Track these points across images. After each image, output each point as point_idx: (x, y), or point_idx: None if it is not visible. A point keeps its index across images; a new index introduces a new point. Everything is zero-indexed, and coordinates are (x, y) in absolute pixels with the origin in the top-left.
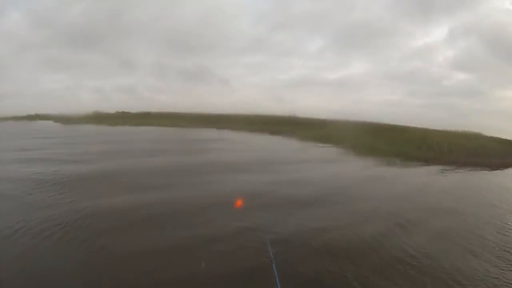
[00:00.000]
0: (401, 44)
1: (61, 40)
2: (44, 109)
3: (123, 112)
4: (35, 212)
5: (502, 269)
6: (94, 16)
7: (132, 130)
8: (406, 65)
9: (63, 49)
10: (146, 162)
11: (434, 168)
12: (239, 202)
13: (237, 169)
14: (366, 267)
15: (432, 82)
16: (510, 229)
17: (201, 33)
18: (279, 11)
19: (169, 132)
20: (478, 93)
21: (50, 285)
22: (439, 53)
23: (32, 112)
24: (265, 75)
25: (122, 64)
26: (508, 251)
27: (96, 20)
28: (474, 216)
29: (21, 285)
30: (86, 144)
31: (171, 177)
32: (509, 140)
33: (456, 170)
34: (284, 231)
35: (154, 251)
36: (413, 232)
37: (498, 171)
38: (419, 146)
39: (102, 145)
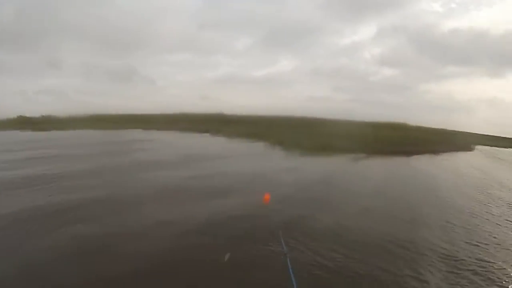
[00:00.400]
0: (329, 42)
1: None
2: None
3: (49, 116)
4: None
5: None
6: (23, 16)
7: (58, 135)
8: (333, 62)
9: None
10: (68, 166)
11: (353, 156)
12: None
13: (159, 167)
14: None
15: (359, 78)
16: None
17: (130, 32)
18: (208, 10)
19: (95, 135)
20: (404, 88)
21: None
22: (366, 51)
23: None
24: (192, 73)
25: (50, 65)
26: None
27: (25, 19)
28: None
29: None
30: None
31: (94, 179)
32: (432, 128)
33: (377, 157)
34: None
35: None
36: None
37: (416, 156)
38: (345, 138)
39: (27, 152)
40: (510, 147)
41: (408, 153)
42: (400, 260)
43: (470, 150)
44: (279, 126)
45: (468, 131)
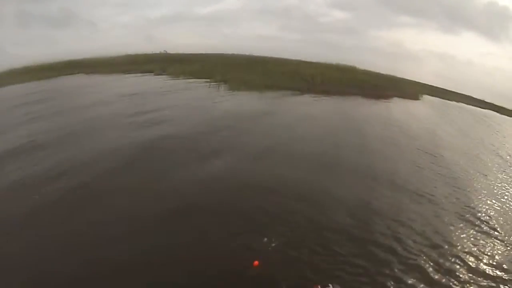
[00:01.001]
0: None
1: None
2: None
3: None
4: None
5: None
6: None
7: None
8: (283, 1)
9: None
10: None
11: (305, 97)
12: None
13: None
14: None
15: (308, 19)
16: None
17: None
18: None
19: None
20: (354, 32)
21: None
22: None
23: None
24: (134, 13)
25: None
26: None
27: None
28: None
29: None
30: None
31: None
32: (381, 74)
33: (322, 97)
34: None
35: None
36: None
37: (361, 98)
38: (292, 78)
39: None
40: (455, 101)
41: (353, 94)
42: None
43: (417, 99)
44: (225, 65)
45: (417, 81)
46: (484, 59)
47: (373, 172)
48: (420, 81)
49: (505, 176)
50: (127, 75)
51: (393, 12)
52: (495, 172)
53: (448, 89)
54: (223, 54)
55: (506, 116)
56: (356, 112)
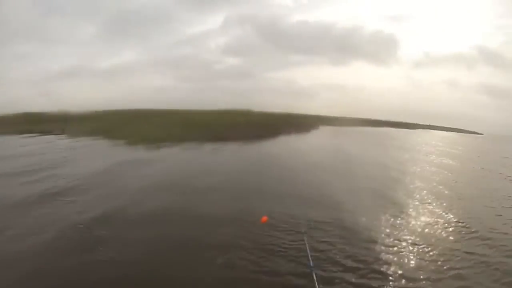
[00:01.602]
0: (175, 31)
1: None
2: None
3: None
4: None
5: None
6: None
7: None
8: (179, 52)
9: None
10: None
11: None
12: None
13: None
14: None
15: (203, 67)
16: None
17: None
18: None
19: None
20: (248, 76)
21: None
22: (212, 40)
23: None
24: (33, 66)
25: None
26: None
27: None
28: None
29: None
30: None
31: None
32: (277, 113)
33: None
34: None
35: None
36: None
37: (259, 140)
38: (190, 127)
39: None
40: (350, 126)
41: (250, 138)
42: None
43: (312, 131)
44: (124, 120)
45: (312, 114)
46: (374, 83)
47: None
48: (315, 114)
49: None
50: (24, 135)
51: (284, 52)
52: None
53: (343, 116)
54: (122, 110)
55: (400, 129)
56: (247, 155)
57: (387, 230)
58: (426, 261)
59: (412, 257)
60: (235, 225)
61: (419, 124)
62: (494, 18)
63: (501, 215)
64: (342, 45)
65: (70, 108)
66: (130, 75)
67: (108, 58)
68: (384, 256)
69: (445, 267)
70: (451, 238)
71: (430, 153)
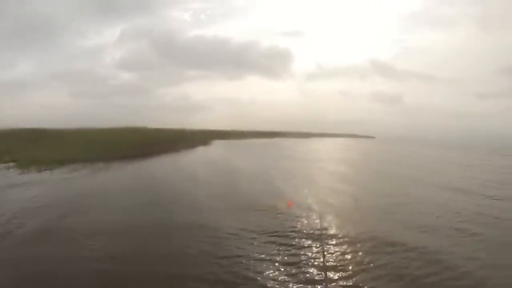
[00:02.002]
0: (71, 43)
1: None
2: None
3: None
4: None
5: None
6: None
7: None
8: (74, 66)
9: None
10: None
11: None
12: None
13: None
14: None
15: (98, 82)
16: None
17: None
18: None
19: None
20: (143, 91)
21: None
22: (107, 54)
23: None
24: None
25: None
26: None
27: None
28: None
29: None
30: None
31: None
32: (171, 129)
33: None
34: None
35: None
36: None
37: (154, 157)
38: (86, 147)
39: None
40: (243, 138)
41: (146, 155)
42: None
43: (206, 145)
44: (14, 141)
45: (207, 129)
46: (269, 96)
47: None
48: (209, 129)
49: None
50: None
51: (180, 67)
52: None
53: (237, 129)
54: (11, 129)
55: (294, 139)
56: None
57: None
58: None
59: None
60: None
61: (313, 133)
62: (396, 33)
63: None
64: (237, 60)
65: None
66: (26, 90)
67: (2, 69)
68: None
69: None
70: None
71: (318, 159)
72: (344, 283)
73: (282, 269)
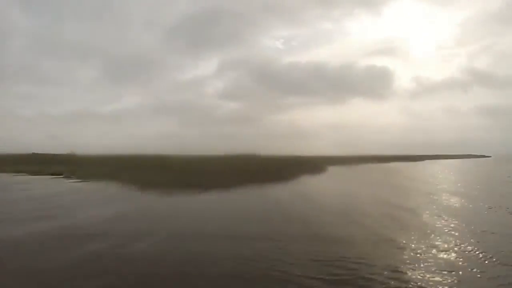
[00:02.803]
0: (173, 77)
1: None
2: None
3: None
4: None
5: None
6: None
7: None
8: (178, 97)
9: None
10: None
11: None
12: None
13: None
14: None
15: (204, 112)
16: None
17: None
18: (50, 36)
19: None
20: (249, 120)
21: None
22: (209, 85)
23: None
24: (36, 108)
25: None
26: None
27: None
28: None
29: None
30: None
31: None
32: (283, 156)
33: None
34: None
35: None
36: None
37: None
38: (194, 174)
39: None
40: (357, 164)
41: (257, 183)
42: None
43: (321, 173)
44: (130, 165)
45: (319, 155)
46: (374, 118)
47: None
48: (321, 155)
49: None
50: (35, 177)
51: (279, 95)
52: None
53: (348, 154)
54: (127, 154)
55: (408, 162)
56: (256, 204)
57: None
58: None
59: None
60: None
61: (426, 155)
62: (483, 38)
63: None
64: (337, 84)
65: (77, 150)
66: (133, 120)
67: (110, 102)
68: None
69: None
70: None
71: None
72: None
73: None
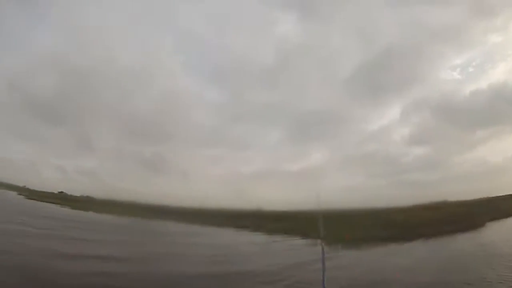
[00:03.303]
0: (357, 128)
1: (27, 108)
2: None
3: (87, 197)
4: None
5: None
6: (62, 90)
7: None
8: (363, 149)
9: (29, 118)
10: None
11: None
12: None
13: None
14: None
15: (391, 162)
16: None
17: (159, 121)
18: (233, 104)
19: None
20: (437, 163)
21: None
22: (394, 132)
23: None
24: (225, 167)
25: (82, 143)
26: None
27: (63, 94)
28: None
29: None
30: None
31: None
32: (473, 200)
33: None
34: None
35: None
36: None
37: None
38: (385, 226)
39: None
40: None
41: (449, 232)
42: None
43: None
44: (316, 221)
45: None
46: None
47: None
48: None
49: None
50: (223, 229)
51: (468, 130)
52: None
53: None
54: (313, 210)
55: None
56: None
57: None
58: None
59: None
60: None
61: None
62: None
63: None
64: None
65: (262, 206)
66: (320, 176)
67: (296, 160)
68: None
69: None
70: None
71: None
72: None
73: None
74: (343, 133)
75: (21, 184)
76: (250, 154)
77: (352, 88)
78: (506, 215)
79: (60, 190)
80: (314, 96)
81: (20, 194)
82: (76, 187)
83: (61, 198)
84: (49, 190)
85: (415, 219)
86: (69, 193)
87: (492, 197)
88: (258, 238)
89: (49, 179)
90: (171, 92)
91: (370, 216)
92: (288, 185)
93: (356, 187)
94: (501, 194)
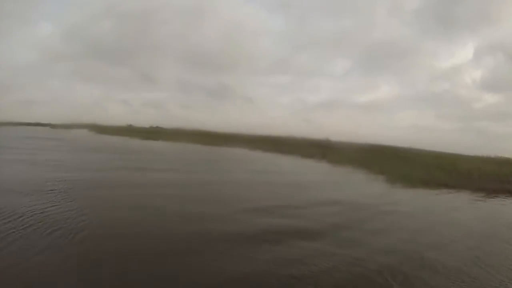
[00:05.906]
0: (427, 64)
1: (89, 53)
2: (77, 118)
3: (157, 127)
4: None
5: None
6: (121, 33)
7: (171, 147)
8: (433, 87)
9: (91, 62)
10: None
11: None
12: None
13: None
14: None
15: (461, 105)
16: None
17: (223, 51)
18: (299, 31)
19: (202, 150)
20: (508, 115)
21: None
22: (466, 74)
23: (67, 120)
24: (292, 96)
25: (146, 79)
26: None
27: (122, 36)
28: None
29: None
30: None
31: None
32: None
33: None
34: None
35: None
36: None
37: None
38: (449, 173)
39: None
40: None
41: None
42: None
43: None
44: (381, 156)
45: None
46: None
47: None
48: None
49: None
50: (288, 156)
51: None
52: None
53: None
54: (379, 145)
55: None
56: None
57: None
58: None
59: None
60: None
61: None
62: None
63: None
64: None
65: (329, 137)
66: (388, 111)
67: (364, 92)
68: None
69: None
70: None
71: None
72: None
73: None
74: (412, 67)
75: (93, 122)
76: (317, 82)
77: (422, 21)
78: None
79: (128, 123)
80: (382, 26)
81: (90, 131)
82: (143, 119)
83: (130, 130)
84: (118, 124)
85: (479, 171)
86: (136, 125)
87: None
88: (322, 167)
89: (117, 114)
90: (234, 22)
91: (435, 159)
92: (355, 116)
93: (423, 126)
94: None
